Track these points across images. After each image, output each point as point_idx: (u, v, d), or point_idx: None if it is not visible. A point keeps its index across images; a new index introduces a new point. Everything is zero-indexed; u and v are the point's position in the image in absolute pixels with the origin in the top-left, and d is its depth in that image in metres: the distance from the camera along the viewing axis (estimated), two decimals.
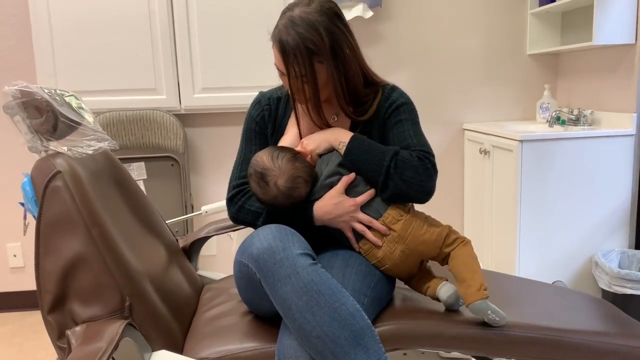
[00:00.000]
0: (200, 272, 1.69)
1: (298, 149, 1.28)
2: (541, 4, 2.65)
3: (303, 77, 1.22)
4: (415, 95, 2.77)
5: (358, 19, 2.64)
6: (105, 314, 1.10)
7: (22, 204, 1.16)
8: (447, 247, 1.20)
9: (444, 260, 1.22)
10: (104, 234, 1.11)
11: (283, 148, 1.26)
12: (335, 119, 1.34)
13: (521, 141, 2.19)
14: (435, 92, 2.78)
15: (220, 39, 2.47)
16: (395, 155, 1.20)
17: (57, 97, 1.17)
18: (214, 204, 1.93)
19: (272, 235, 1.12)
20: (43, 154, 1.17)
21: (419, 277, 1.26)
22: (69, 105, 1.20)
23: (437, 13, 2.72)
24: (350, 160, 1.24)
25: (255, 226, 1.29)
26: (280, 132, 1.36)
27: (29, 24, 2.51)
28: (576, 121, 2.50)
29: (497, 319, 1.14)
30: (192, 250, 1.66)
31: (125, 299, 1.11)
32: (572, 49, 2.53)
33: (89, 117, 1.24)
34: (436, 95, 2.78)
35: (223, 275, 1.68)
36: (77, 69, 2.43)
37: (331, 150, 1.28)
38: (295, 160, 1.23)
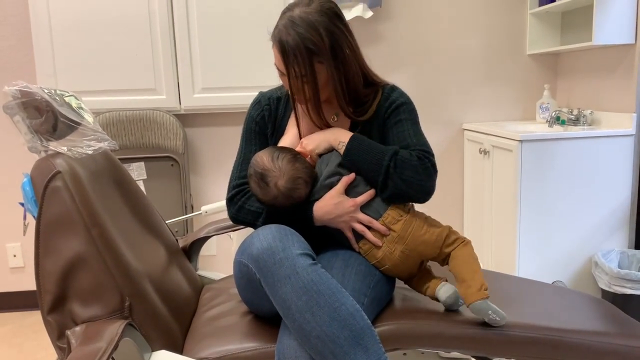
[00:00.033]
0: (200, 272, 1.69)
1: (298, 149, 1.28)
2: (541, 4, 2.65)
3: (303, 77, 1.22)
4: (415, 95, 2.77)
5: (358, 19, 2.64)
6: (105, 314, 1.10)
7: (22, 204, 1.16)
8: (447, 247, 1.20)
9: (444, 260, 1.22)
10: (103, 234, 1.11)
11: (283, 149, 1.26)
12: (335, 119, 1.34)
13: (521, 141, 2.19)
14: (435, 92, 2.78)
15: (220, 39, 2.47)
16: (394, 154, 1.20)
17: (57, 97, 1.17)
18: (213, 204, 1.93)
19: (271, 235, 1.12)
20: (43, 154, 1.17)
21: (418, 277, 1.26)
22: (69, 105, 1.20)
23: (437, 13, 2.72)
24: (349, 160, 1.24)
25: (255, 226, 1.29)
26: (280, 132, 1.36)
27: (29, 24, 2.51)
28: (576, 121, 2.50)
29: (497, 319, 1.14)
30: (192, 250, 1.66)
31: (125, 299, 1.11)
32: (572, 49, 2.53)
33: (89, 117, 1.24)
34: (436, 95, 2.78)
35: (223, 275, 1.68)
36: (77, 69, 2.43)
37: (331, 150, 1.28)
38: (295, 161, 1.23)
